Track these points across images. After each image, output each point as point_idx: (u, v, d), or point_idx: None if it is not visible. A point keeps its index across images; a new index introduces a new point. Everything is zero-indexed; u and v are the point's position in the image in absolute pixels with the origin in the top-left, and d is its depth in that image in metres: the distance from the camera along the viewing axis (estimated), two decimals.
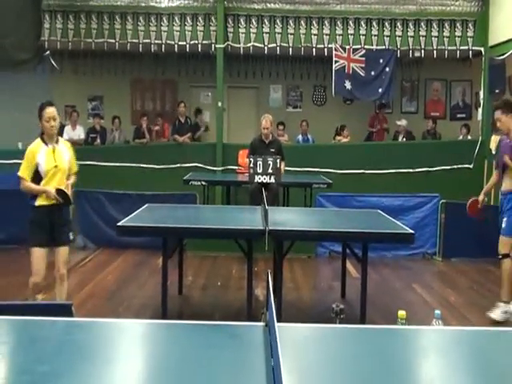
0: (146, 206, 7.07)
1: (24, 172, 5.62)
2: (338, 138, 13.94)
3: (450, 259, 9.23)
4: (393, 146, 13.32)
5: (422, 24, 12.43)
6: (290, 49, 12.54)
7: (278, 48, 12.52)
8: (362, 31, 12.45)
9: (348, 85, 12.47)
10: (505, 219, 6.65)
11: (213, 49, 12.48)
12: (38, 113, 5.71)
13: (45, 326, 2.78)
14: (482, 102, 12.44)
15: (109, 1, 12.38)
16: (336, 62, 12.29)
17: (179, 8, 12.43)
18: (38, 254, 5.56)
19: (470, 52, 12.51)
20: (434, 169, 12.11)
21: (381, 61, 12.45)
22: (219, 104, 12.45)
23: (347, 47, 12.29)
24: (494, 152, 9.74)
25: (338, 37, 12.43)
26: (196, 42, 12.47)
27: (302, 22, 12.43)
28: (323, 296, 7.50)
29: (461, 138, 13.50)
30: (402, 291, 7.66)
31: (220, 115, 12.55)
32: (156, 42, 12.49)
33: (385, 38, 12.45)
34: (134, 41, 12.46)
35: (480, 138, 12.20)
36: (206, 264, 8.74)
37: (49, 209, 5.61)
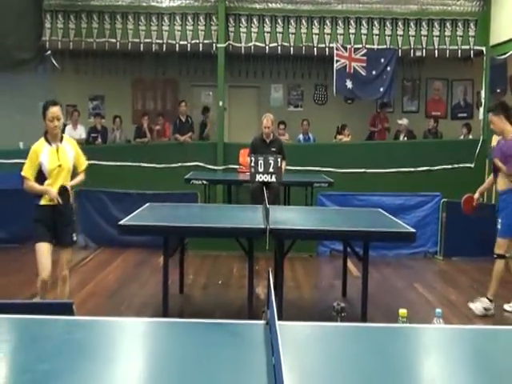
0: (147, 205, 7.08)
1: (27, 171, 5.57)
2: (339, 137, 13.93)
3: (451, 258, 9.23)
4: (394, 145, 13.32)
5: (424, 23, 12.42)
6: (291, 48, 12.53)
7: (279, 47, 12.52)
8: (364, 30, 12.45)
9: (349, 84, 12.46)
10: (499, 220, 6.70)
11: (214, 48, 12.47)
12: (42, 112, 5.64)
13: (46, 325, 2.78)
14: (483, 101, 12.43)
15: (110, 0, 12.38)
16: (337, 61, 12.28)
17: (180, 7, 12.43)
18: (43, 249, 5.52)
19: (472, 51, 12.50)
20: (435, 168, 12.10)
21: (382, 60, 12.44)
22: (220, 103, 12.45)
23: (348, 46, 12.29)
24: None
25: (339, 36, 12.43)
26: (197, 41, 12.46)
27: (304, 22, 12.43)
28: (324, 295, 7.50)
29: (462, 137, 13.49)
30: (403, 290, 7.66)
31: (221, 114, 12.55)
32: (157, 41, 12.49)
33: (386, 37, 12.44)
34: (135, 40, 12.46)
35: (481, 138, 12.19)
36: (207, 263, 8.75)
37: (53, 208, 5.57)
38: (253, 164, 9.01)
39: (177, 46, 12.52)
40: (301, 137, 13.85)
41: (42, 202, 5.60)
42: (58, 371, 2.26)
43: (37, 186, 5.57)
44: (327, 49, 12.45)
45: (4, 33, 11.36)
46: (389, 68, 12.43)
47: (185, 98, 14.35)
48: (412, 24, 12.43)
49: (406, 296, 7.34)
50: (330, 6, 12.42)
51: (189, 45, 12.49)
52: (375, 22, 12.43)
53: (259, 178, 8.99)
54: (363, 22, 12.42)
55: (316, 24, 12.42)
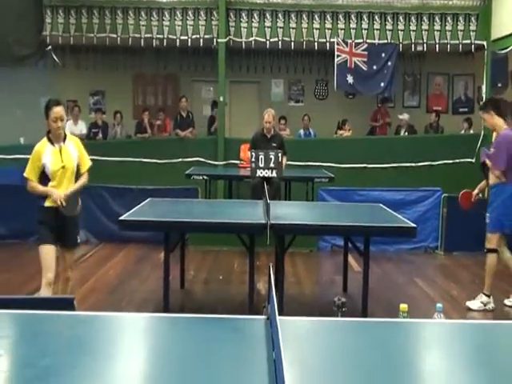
0: (148, 200, 7.08)
1: (30, 173, 5.43)
2: (340, 132, 13.92)
3: (451, 253, 9.24)
4: (395, 140, 13.30)
5: (425, 18, 12.39)
6: (292, 43, 12.51)
7: (279, 42, 12.50)
8: (364, 25, 12.42)
9: (350, 79, 12.44)
10: (488, 215, 6.74)
11: (214, 43, 12.45)
12: (45, 111, 5.41)
13: (47, 321, 2.79)
14: (484, 96, 12.41)
15: None
16: (338, 56, 12.26)
17: (181, 2, 12.42)
18: (47, 251, 5.36)
19: (473, 46, 12.48)
20: (436, 163, 12.09)
21: (383, 55, 12.43)
22: (221, 98, 12.44)
23: (349, 41, 12.27)
24: None
25: (340, 31, 12.40)
26: (198, 36, 12.45)
27: (304, 16, 12.40)
28: (325, 290, 7.51)
29: (463, 132, 13.47)
30: (404, 285, 7.67)
31: (222, 110, 12.54)
32: (158, 36, 12.48)
33: (387, 32, 12.42)
34: (136, 35, 12.45)
35: (482, 132, 12.17)
36: (207, 258, 8.75)
37: (58, 210, 5.39)
38: (253, 159, 9.01)
39: (177, 41, 12.50)
40: (301, 132, 13.83)
41: (47, 203, 5.43)
42: (59, 366, 2.26)
43: (40, 187, 5.42)
44: (328, 44, 12.42)
45: (4, 28, 11.36)
46: (390, 63, 12.41)
47: (185, 93, 14.33)
48: (413, 18, 12.41)
49: (406, 291, 7.35)
50: (331, 1, 12.40)
51: (189, 40, 12.48)
52: (376, 17, 12.41)
53: (260, 173, 8.99)
54: (364, 17, 12.40)
55: (317, 19, 12.39)
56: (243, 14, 12.44)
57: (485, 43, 12.26)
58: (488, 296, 6.67)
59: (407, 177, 11.67)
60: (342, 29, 12.42)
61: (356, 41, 12.30)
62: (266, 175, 8.98)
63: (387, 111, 14.46)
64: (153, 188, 9.38)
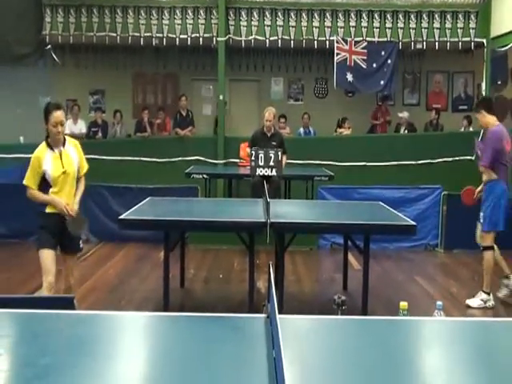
0: (148, 199, 7.08)
1: (30, 180, 5.18)
2: (340, 130, 13.92)
3: (451, 251, 9.23)
4: (395, 138, 13.30)
5: (424, 16, 12.40)
6: (292, 41, 12.52)
7: (279, 41, 12.51)
8: (364, 23, 12.43)
9: (350, 77, 12.45)
10: (481, 214, 6.78)
11: (214, 42, 12.46)
12: (44, 115, 5.17)
13: (47, 320, 2.79)
14: (483, 93, 12.42)
15: None
16: (337, 54, 12.27)
17: (180, 1, 12.42)
18: (47, 255, 5.18)
19: (472, 43, 12.48)
20: (436, 160, 12.08)
21: (382, 53, 12.43)
22: (220, 97, 12.44)
23: (349, 39, 12.27)
24: None
25: (339, 29, 12.41)
26: (197, 35, 12.45)
27: (304, 15, 12.41)
28: (325, 288, 7.51)
29: (462, 129, 13.47)
30: (404, 283, 7.67)
31: (221, 108, 12.54)
32: (157, 35, 12.48)
33: (386, 30, 12.43)
34: (136, 34, 12.45)
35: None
36: (207, 257, 8.75)
37: (59, 216, 5.20)
38: (253, 158, 9.01)
39: (177, 39, 12.51)
40: (301, 130, 13.83)
41: (48, 209, 5.23)
42: (59, 365, 2.27)
43: (42, 196, 5.18)
44: (327, 42, 12.44)
45: (4, 27, 11.37)
46: (389, 61, 12.42)
47: (185, 92, 14.33)
48: (412, 16, 12.41)
49: (406, 289, 7.35)
50: None
51: (189, 39, 12.49)
52: (375, 15, 12.41)
53: (259, 171, 8.99)
54: (363, 15, 12.40)
55: (316, 17, 12.40)
56: (243, 13, 12.45)
57: (484, 41, 12.26)
58: (488, 293, 6.68)
59: (407, 175, 11.66)
60: (341, 27, 12.43)
61: (356, 39, 12.31)
62: (266, 174, 8.98)
63: (387, 109, 14.47)
64: (152, 187, 9.37)
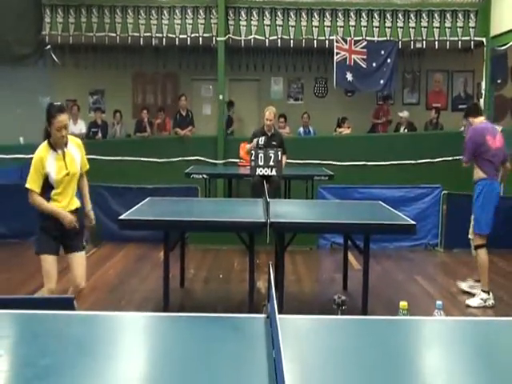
0: (148, 199, 7.07)
1: (32, 183, 4.94)
2: (340, 129, 13.92)
3: (451, 250, 9.22)
4: (394, 138, 13.30)
5: (424, 15, 12.40)
6: (291, 41, 12.53)
7: (279, 40, 12.51)
8: (364, 23, 12.44)
9: (349, 76, 12.45)
10: (472, 217, 6.85)
11: (214, 42, 12.46)
12: (47, 117, 4.97)
13: (47, 320, 2.79)
14: (483, 92, 12.42)
15: None
16: (337, 53, 12.28)
17: (180, 1, 12.42)
18: (50, 261, 5.04)
19: (472, 42, 12.49)
20: (436, 160, 12.08)
21: (382, 52, 12.43)
22: (220, 97, 12.45)
23: (348, 39, 12.27)
24: None
25: (339, 28, 12.42)
26: (197, 35, 12.46)
27: (303, 14, 12.41)
28: (325, 288, 7.51)
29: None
30: (404, 282, 7.66)
31: (221, 108, 12.54)
32: (157, 35, 12.49)
33: (386, 29, 12.44)
34: (135, 34, 12.46)
35: None
36: (207, 257, 8.75)
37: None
38: (253, 158, 9.01)
39: (177, 39, 12.52)
40: (301, 130, 13.83)
41: None
42: (59, 366, 2.26)
43: (47, 206, 4.98)
44: (327, 41, 12.45)
45: (4, 28, 11.36)
46: (389, 60, 12.42)
47: (185, 91, 14.33)
48: (412, 15, 12.42)
49: (406, 288, 7.35)
50: None
51: (189, 38, 12.49)
52: (375, 14, 12.42)
53: (259, 171, 8.99)
54: (363, 14, 12.41)
55: (316, 16, 12.40)
56: (242, 12, 12.45)
57: (484, 40, 12.27)
58: (487, 292, 6.68)
59: (407, 174, 11.67)
60: (341, 26, 12.43)
61: (355, 38, 12.32)
62: (266, 174, 8.98)
63: (388, 109, 14.46)
64: (152, 187, 9.37)
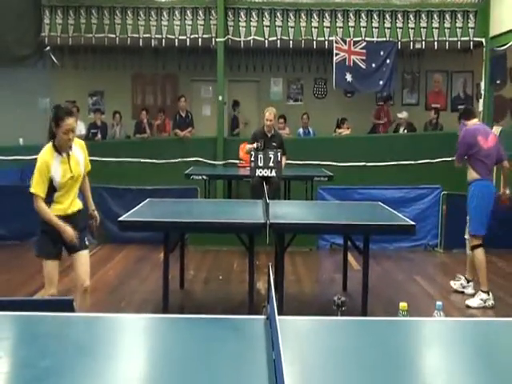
0: (147, 200, 7.07)
1: (38, 188, 4.80)
2: (339, 130, 13.92)
3: (451, 250, 9.22)
4: (394, 138, 13.30)
5: (423, 15, 12.40)
6: (291, 42, 12.52)
7: (278, 41, 12.51)
8: (363, 23, 12.44)
9: (349, 77, 12.45)
10: (468, 218, 6.89)
11: (213, 43, 12.46)
12: (54, 119, 4.83)
13: (46, 322, 2.79)
14: (482, 93, 12.42)
15: None
16: (337, 54, 12.28)
17: (179, 2, 12.42)
18: (52, 266, 4.96)
19: (471, 43, 12.48)
20: (436, 160, 12.08)
21: (382, 53, 12.44)
22: (220, 98, 12.45)
23: (348, 39, 12.27)
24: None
25: (338, 29, 12.41)
26: (196, 36, 12.45)
27: (303, 15, 12.41)
28: (325, 289, 7.51)
29: None
30: (404, 283, 7.66)
31: (221, 109, 12.54)
32: (156, 36, 12.49)
33: (385, 29, 12.43)
34: (135, 35, 12.46)
35: None
36: (207, 258, 8.75)
37: (66, 220, 4.93)
38: (253, 158, 9.02)
39: (176, 40, 12.51)
40: (300, 131, 13.83)
41: (52, 212, 4.93)
42: (58, 367, 2.27)
43: (51, 217, 4.85)
44: (326, 42, 12.44)
45: (3, 29, 11.36)
46: (388, 61, 12.42)
47: (184, 93, 14.34)
48: (411, 16, 12.42)
49: (406, 289, 7.35)
50: None
51: (188, 39, 12.49)
52: (374, 15, 12.42)
53: (259, 172, 8.99)
54: (362, 15, 12.41)
55: (315, 17, 12.40)
56: (242, 14, 12.45)
57: (483, 40, 12.26)
58: (486, 292, 6.68)
59: (407, 174, 11.66)
60: (340, 27, 12.43)
61: (354, 39, 12.31)
62: (266, 174, 8.98)
63: (389, 109, 14.45)
64: (152, 188, 9.37)
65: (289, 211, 6.60)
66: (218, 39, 12.32)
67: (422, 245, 9.46)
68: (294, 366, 2.25)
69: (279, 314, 2.40)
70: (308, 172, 10.75)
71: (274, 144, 9.60)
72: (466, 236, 7.04)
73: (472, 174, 6.79)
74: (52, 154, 4.86)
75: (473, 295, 6.84)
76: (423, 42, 12.53)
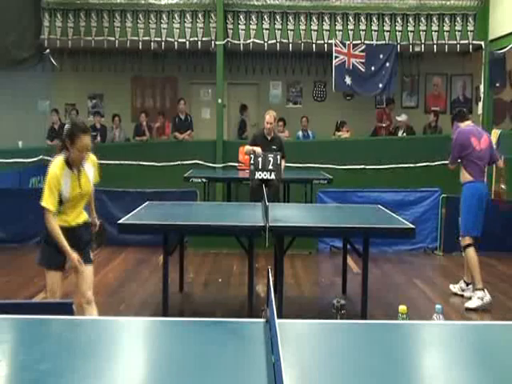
0: (147, 203, 7.07)
1: (49, 201, 4.69)
2: (339, 133, 13.93)
3: (451, 253, 9.21)
4: (393, 141, 13.31)
5: (422, 18, 12.42)
6: (290, 45, 12.54)
7: (277, 44, 12.52)
8: (362, 26, 12.45)
9: (348, 80, 12.46)
10: (459, 218, 6.94)
11: (213, 45, 12.48)
12: (69, 135, 4.72)
13: (46, 325, 2.78)
14: (482, 96, 12.43)
15: None
16: (336, 57, 12.29)
17: (179, 5, 12.44)
18: (53, 277, 4.87)
19: (471, 46, 12.51)
20: (435, 163, 12.09)
21: (381, 56, 12.45)
22: (219, 101, 12.45)
23: (347, 42, 12.29)
24: (494, 146, 9.76)
25: (337, 32, 12.43)
26: (196, 38, 12.47)
27: (302, 18, 12.43)
28: (324, 292, 7.50)
29: None
30: (403, 286, 7.66)
31: (220, 112, 12.55)
32: (156, 39, 12.51)
33: (385, 32, 12.45)
34: (134, 38, 12.48)
35: None
36: (206, 261, 8.74)
37: (69, 231, 4.84)
38: (252, 161, 9.01)
39: (175, 43, 12.53)
40: (300, 133, 13.85)
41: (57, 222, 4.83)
42: (58, 371, 2.26)
43: (59, 236, 4.72)
44: (326, 45, 12.46)
45: (3, 31, 11.36)
46: (388, 64, 12.44)
47: (184, 95, 14.36)
48: (411, 19, 12.44)
49: (406, 292, 7.34)
50: (329, 2, 12.43)
51: (187, 42, 12.50)
52: (374, 18, 12.44)
53: (258, 175, 8.99)
54: (362, 18, 12.43)
55: (315, 20, 12.42)
56: (241, 16, 12.47)
57: (482, 43, 12.28)
58: (482, 289, 6.70)
59: (406, 177, 11.67)
60: (339, 30, 12.45)
61: (354, 42, 12.33)
62: (265, 177, 8.98)
63: (390, 112, 14.46)
64: (151, 191, 9.36)
65: (288, 214, 6.60)
66: (217, 42, 12.33)
67: (421, 248, 9.46)
68: (294, 369, 2.25)
69: (279, 317, 2.39)
70: (307, 175, 10.75)
71: (274, 147, 9.60)
72: (461, 238, 7.07)
73: (465, 176, 6.87)
74: (63, 169, 4.77)
75: (470, 298, 6.85)
76: (422, 45, 12.55)
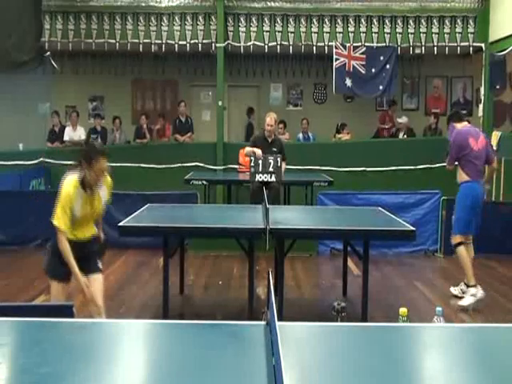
0: (147, 205, 7.07)
1: (61, 221, 4.67)
2: (339, 135, 13.93)
3: (451, 256, 9.17)
4: (393, 143, 13.30)
5: (423, 21, 12.42)
6: (291, 47, 12.54)
7: (278, 46, 12.52)
8: (363, 28, 12.45)
9: (348, 82, 12.46)
10: (453, 217, 7.06)
11: (213, 48, 12.48)
12: (87, 159, 4.68)
13: (46, 328, 2.78)
14: (482, 98, 12.43)
15: (109, 1, 12.40)
16: (336, 59, 12.29)
17: (179, 7, 12.44)
18: (57, 288, 4.88)
19: (471, 48, 12.50)
20: (435, 165, 12.08)
21: (381, 58, 12.45)
22: (220, 103, 12.45)
23: (348, 45, 12.29)
24: (495, 148, 9.77)
25: (338, 34, 12.43)
26: (196, 41, 12.47)
27: (303, 20, 12.43)
28: (324, 294, 7.49)
29: None
30: (404, 288, 7.65)
31: (220, 114, 12.55)
32: (156, 41, 12.50)
33: (385, 35, 12.45)
34: (135, 41, 12.47)
35: None
36: (207, 263, 8.74)
37: (77, 244, 4.80)
38: (253, 164, 9.01)
39: (176, 46, 12.53)
40: (300, 136, 13.84)
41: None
42: (58, 374, 2.26)
43: (70, 258, 4.69)
44: (326, 47, 12.46)
45: (3, 34, 11.36)
46: (388, 66, 12.43)
47: (184, 98, 14.36)
48: (411, 21, 12.44)
49: (406, 294, 7.34)
50: (329, 5, 12.43)
51: (188, 45, 12.50)
52: (374, 20, 12.44)
53: (259, 177, 8.99)
54: (362, 20, 12.43)
55: (315, 22, 12.42)
56: (241, 19, 12.47)
57: (483, 45, 12.28)
58: (474, 286, 6.74)
59: (406, 180, 11.66)
60: (340, 32, 12.45)
61: (354, 44, 12.33)
62: (265, 180, 8.98)
63: (393, 114, 14.45)
64: (152, 193, 9.36)
65: (289, 216, 6.60)
66: (217, 44, 12.33)
67: (421, 250, 9.45)
68: (294, 371, 2.25)
69: (279, 319, 2.39)
70: (308, 177, 10.75)
71: (275, 149, 9.59)
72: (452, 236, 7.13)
73: (461, 176, 6.91)
74: (77, 188, 4.71)
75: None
76: (423, 47, 12.54)
